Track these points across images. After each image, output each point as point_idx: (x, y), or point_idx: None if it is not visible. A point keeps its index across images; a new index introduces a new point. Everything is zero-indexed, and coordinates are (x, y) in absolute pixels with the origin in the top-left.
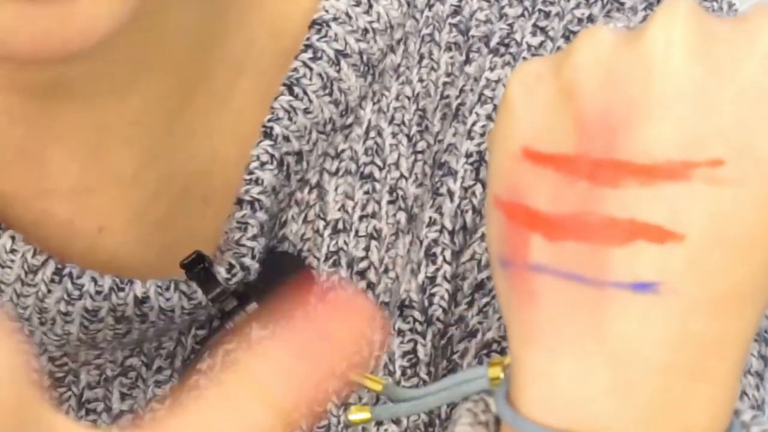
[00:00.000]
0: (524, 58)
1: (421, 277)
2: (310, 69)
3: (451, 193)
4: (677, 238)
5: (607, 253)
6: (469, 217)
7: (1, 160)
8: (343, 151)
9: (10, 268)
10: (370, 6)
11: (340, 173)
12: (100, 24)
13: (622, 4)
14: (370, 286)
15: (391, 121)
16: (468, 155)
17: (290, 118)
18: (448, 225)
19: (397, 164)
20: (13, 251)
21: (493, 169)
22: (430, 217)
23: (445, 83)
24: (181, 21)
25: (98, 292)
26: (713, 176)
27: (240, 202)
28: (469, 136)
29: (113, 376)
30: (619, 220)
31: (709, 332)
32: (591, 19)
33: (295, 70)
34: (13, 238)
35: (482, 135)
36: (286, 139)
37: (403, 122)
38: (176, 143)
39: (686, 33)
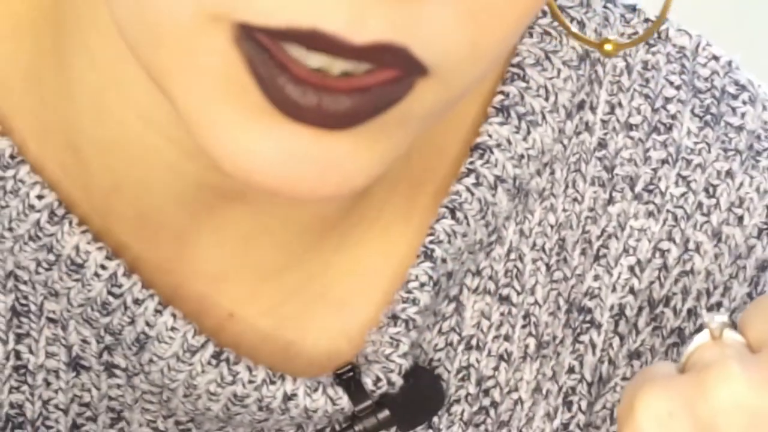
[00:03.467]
0: (667, 210)
1: (556, 423)
2: (472, 194)
3: (594, 345)
4: None
5: None
6: (605, 367)
7: (156, 235)
8: (483, 268)
9: (168, 344)
10: (528, 132)
11: (479, 291)
12: (355, 181)
13: (758, 161)
14: (494, 404)
15: (533, 247)
16: (611, 308)
17: (450, 242)
18: (588, 376)
19: (533, 290)
20: (173, 329)
21: None
22: (570, 365)
23: (587, 218)
24: None
25: (251, 381)
26: None
27: (394, 318)
28: (614, 288)
29: None
30: None
31: None
32: (730, 174)
33: (457, 193)
34: (174, 315)
35: (623, 287)
36: (444, 261)
37: (543, 249)
38: (323, 251)
39: None
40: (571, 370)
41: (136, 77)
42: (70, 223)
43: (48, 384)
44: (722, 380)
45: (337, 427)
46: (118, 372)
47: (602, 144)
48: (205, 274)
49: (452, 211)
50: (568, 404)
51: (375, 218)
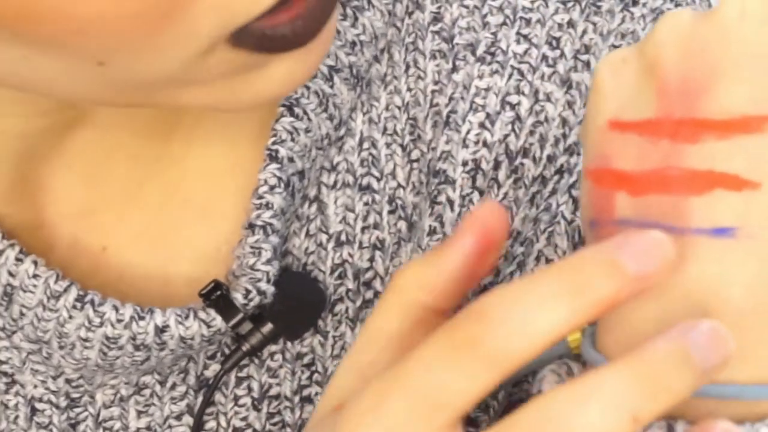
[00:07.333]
0: (512, 66)
1: None
2: (308, 88)
3: (450, 202)
4: (754, 185)
5: (687, 202)
6: None
7: (13, 191)
8: (338, 163)
9: (32, 292)
10: (356, 18)
11: (338, 186)
12: (305, 77)
13: (599, 7)
14: (377, 295)
15: (383, 132)
16: (464, 164)
17: (293, 139)
18: (450, 233)
19: (393, 174)
20: (35, 276)
21: (587, 146)
22: (431, 226)
23: (433, 91)
24: None
25: (119, 320)
26: None
27: (252, 227)
28: (464, 144)
29: (128, 395)
30: (698, 171)
31: None
32: (571, 24)
33: (293, 90)
34: (35, 263)
35: (476, 143)
36: (291, 160)
37: (395, 132)
38: (175, 153)
39: (758, 1)
40: (432, 232)
41: None
42: None
43: None
44: (668, 22)
45: (227, 351)
46: (0, 333)
47: (437, 18)
48: (71, 215)
49: (290, 108)
50: None
51: (223, 130)
